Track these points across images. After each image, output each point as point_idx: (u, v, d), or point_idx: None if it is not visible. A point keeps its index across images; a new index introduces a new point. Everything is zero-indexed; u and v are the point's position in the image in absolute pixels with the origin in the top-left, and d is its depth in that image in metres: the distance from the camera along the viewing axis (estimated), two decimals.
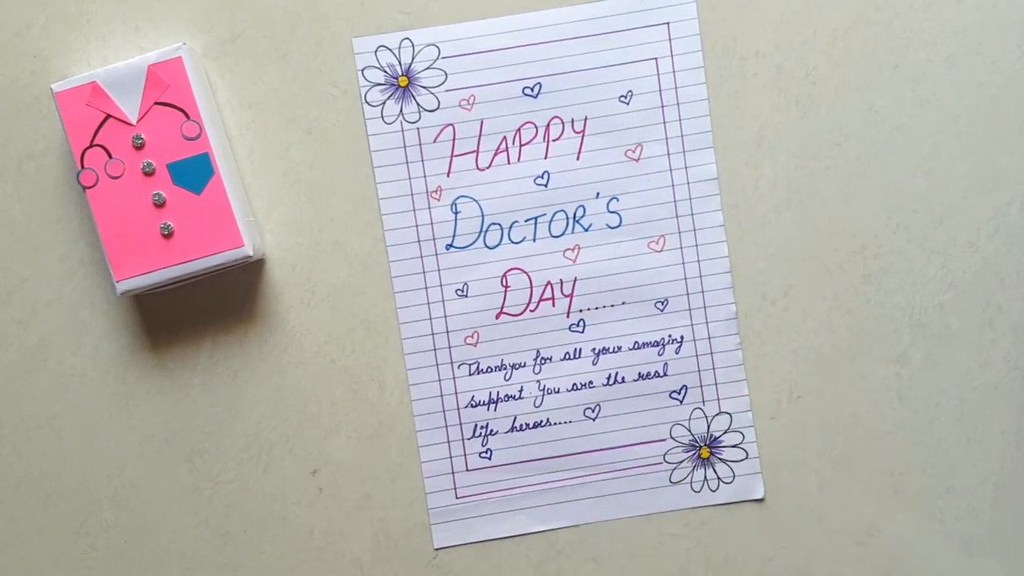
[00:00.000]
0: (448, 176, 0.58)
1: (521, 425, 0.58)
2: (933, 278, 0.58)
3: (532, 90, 0.57)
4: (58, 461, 0.59)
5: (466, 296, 0.58)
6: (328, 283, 0.59)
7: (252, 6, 0.58)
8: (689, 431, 0.58)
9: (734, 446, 0.57)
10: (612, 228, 0.58)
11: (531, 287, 0.58)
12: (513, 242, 0.58)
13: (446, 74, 0.58)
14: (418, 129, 0.58)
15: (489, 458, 0.58)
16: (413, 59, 0.58)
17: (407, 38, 0.57)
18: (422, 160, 0.58)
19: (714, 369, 0.58)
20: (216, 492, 0.59)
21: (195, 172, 0.55)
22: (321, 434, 0.58)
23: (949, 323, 0.58)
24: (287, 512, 0.58)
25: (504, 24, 0.57)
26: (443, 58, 0.58)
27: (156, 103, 0.55)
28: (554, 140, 0.58)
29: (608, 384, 0.58)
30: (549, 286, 0.58)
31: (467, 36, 0.57)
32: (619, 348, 0.58)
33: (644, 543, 0.58)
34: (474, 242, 0.58)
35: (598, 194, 0.57)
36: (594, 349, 0.58)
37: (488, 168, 0.58)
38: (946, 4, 0.58)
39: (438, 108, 0.58)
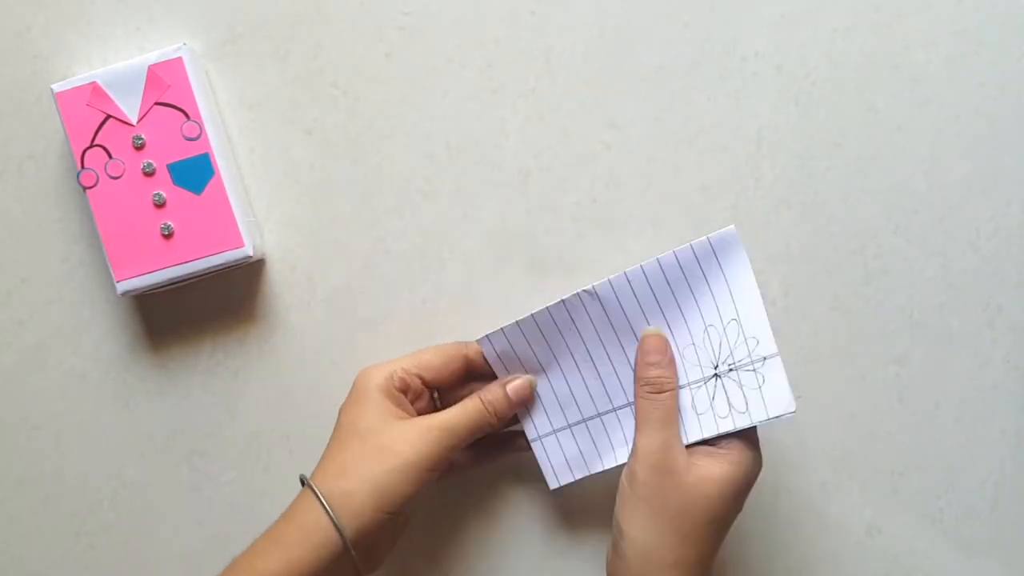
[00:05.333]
0: None
1: None
2: (933, 278, 0.58)
3: None
4: (58, 461, 0.59)
5: None
6: (328, 283, 0.59)
7: (252, 6, 0.58)
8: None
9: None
10: None
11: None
12: None
13: None
14: None
15: None
16: None
17: None
18: None
19: None
20: (216, 492, 0.59)
21: (195, 172, 0.55)
22: (321, 434, 0.58)
23: (949, 323, 0.58)
24: None
25: None
26: None
27: (156, 103, 0.55)
28: None
29: None
30: None
31: None
32: None
33: None
34: None
35: None
36: None
37: None
38: (946, 4, 0.58)
39: None
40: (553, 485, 0.55)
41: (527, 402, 0.54)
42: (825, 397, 0.58)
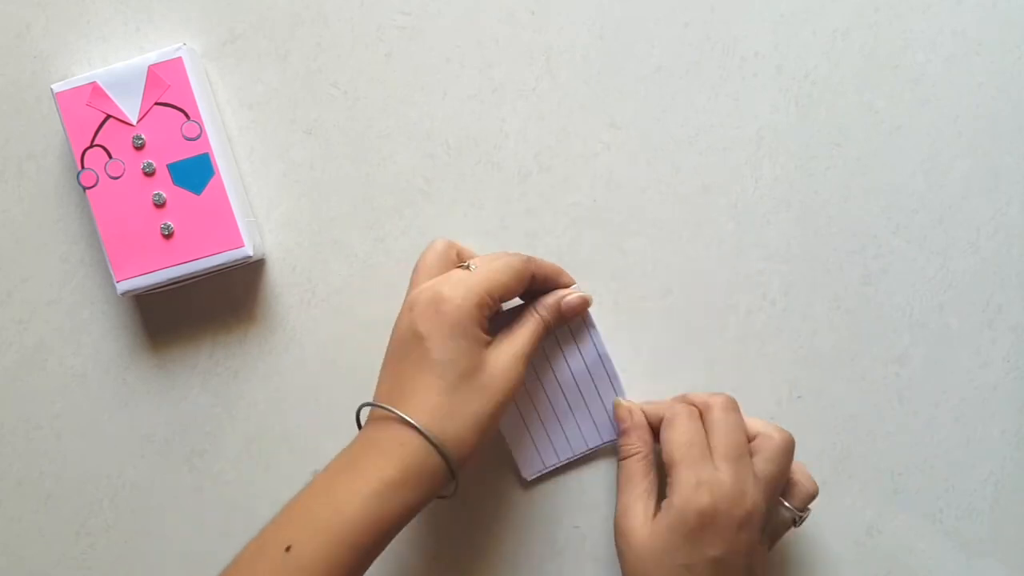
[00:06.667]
0: None
1: None
2: (933, 278, 0.58)
3: None
4: (58, 461, 0.59)
5: None
6: (328, 283, 0.59)
7: (252, 6, 0.58)
8: None
9: None
10: None
11: None
12: None
13: None
14: None
15: None
16: None
17: None
18: None
19: None
20: (216, 492, 0.59)
21: (195, 172, 0.55)
22: (321, 434, 0.58)
23: (949, 323, 0.58)
24: None
25: None
26: None
27: (156, 103, 0.55)
28: None
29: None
30: None
31: None
32: None
33: None
34: None
35: None
36: None
37: None
38: (946, 4, 0.58)
39: None
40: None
41: (575, 316, 0.55)
42: (825, 397, 0.58)
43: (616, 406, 0.56)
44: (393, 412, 0.49)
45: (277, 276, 0.59)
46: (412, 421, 0.48)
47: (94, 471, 0.59)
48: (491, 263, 0.52)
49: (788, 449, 0.52)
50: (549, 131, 0.58)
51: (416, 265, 0.53)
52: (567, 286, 0.55)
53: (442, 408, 0.49)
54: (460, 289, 0.50)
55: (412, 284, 0.53)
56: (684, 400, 0.55)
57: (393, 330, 0.52)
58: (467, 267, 0.52)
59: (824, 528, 0.58)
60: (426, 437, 0.48)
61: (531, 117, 0.58)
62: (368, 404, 0.50)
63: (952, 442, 0.58)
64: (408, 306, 0.51)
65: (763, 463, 0.51)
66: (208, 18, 0.58)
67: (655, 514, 0.51)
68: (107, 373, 0.59)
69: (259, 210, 0.59)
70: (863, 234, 0.58)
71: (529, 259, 0.53)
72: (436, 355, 0.49)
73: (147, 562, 0.59)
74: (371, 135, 0.59)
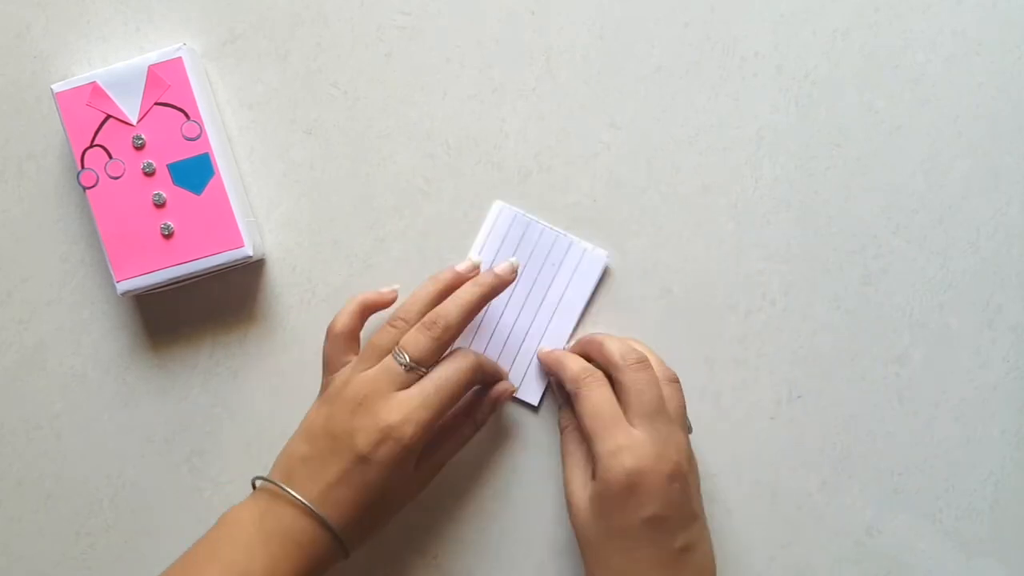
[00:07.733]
0: None
1: None
2: (933, 278, 0.58)
3: None
4: (58, 461, 0.59)
5: None
6: (328, 283, 0.59)
7: (252, 6, 0.58)
8: None
9: None
10: None
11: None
12: None
13: None
14: None
15: None
16: None
17: None
18: None
19: None
20: (216, 492, 0.59)
21: (195, 172, 0.55)
22: None
23: (949, 323, 0.58)
24: None
25: None
26: None
27: (156, 103, 0.55)
28: None
29: None
30: None
31: None
32: None
33: None
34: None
35: None
36: None
37: None
38: (946, 4, 0.58)
39: None
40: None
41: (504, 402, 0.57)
42: (825, 397, 0.58)
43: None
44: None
45: (277, 276, 0.59)
46: (325, 520, 0.50)
47: (94, 471, 0.59)
48: (442, 374, 0.52)
49: (674, 379, 0.54)
50: (549, 131, 0.58)
51: (330, 331, 0.54)
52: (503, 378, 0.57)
53: (357, 513, 0.51)
54: (411, 427, 0.50)
55: (331, 360, 0.54)
56: (591, 344, 0.54)
57: (321, 420, 0.52)
58: (415, 370, 0.52)
59: (824, 528, 0.58)
60: (338, 540, 0.50)
61: (531, 117, 0.58)
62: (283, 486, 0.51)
63: (952, 442, 0.58)
64: (347, 407, 0.51)
65: (670, 405, 0.53)
66: (208, 18, 0.58)
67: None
68: (107, 373, 0.59)
69: (259, 210, 0.59)
70: (863, 234, 0.58)
71: (478, 362, 0.53)
72: (373, 478, 0.50)
73: (147, 562, 0.59)
74: (371, 135, 0.59)
